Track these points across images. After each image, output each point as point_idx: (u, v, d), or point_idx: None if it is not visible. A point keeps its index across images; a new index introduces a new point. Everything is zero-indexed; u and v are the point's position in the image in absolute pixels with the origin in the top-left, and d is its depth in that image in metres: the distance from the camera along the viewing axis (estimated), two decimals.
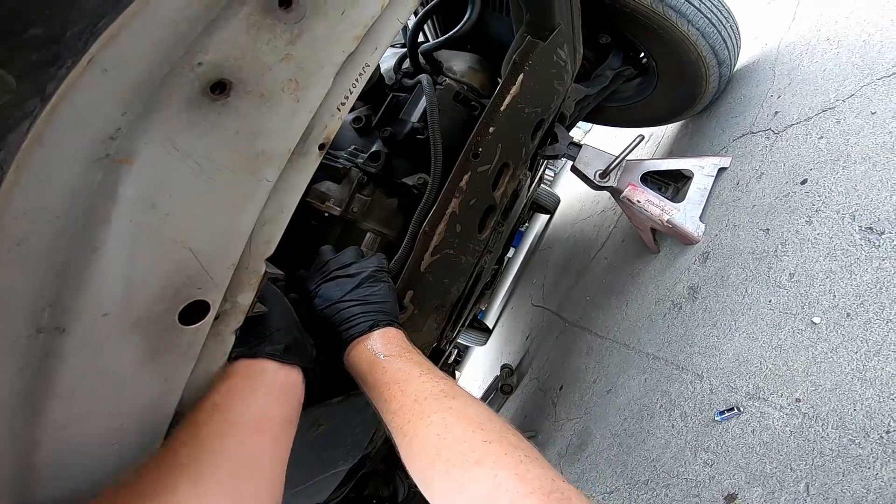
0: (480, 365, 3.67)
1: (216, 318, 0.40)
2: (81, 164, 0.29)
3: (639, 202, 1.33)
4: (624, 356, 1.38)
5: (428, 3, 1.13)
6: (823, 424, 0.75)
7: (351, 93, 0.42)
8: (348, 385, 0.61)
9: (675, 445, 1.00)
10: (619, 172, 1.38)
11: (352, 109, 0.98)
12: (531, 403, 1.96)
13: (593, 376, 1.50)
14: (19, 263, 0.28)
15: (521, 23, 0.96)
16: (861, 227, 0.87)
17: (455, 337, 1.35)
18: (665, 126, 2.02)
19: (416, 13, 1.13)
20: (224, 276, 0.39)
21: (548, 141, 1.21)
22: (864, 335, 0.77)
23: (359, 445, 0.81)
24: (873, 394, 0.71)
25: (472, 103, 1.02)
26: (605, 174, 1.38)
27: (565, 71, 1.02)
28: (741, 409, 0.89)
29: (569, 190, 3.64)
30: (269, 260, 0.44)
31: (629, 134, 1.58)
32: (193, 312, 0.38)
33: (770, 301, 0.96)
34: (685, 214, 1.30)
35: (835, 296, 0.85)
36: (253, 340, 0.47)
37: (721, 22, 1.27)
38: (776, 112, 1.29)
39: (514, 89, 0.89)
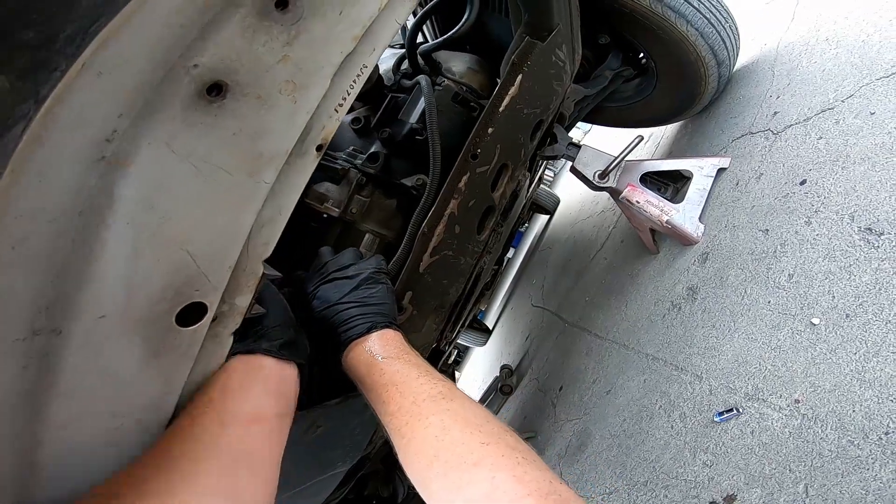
0: (480, 365, 3.66)
1: (214, 320, 0.41)
2: (80, 165, 0.29)
3: (638, 203, 1.33)
4: (623, 357, 1.38)
5: (427, 4, 1.13)
6: (822, 425, 0.75)
7: (349, 94, 0.42)
8: (346, 387, 0.61)
9: (674, 446, 1.00)
10: (619, 173, 1.38)
11: (350, 110, 0.99)
12: (531, 404, 1.96)
13: (593, 377, 1.50)
14: (19, 264, 0.28)
15: (520, 23, 0.95)
16: (860, 227, 0.87)
17: (454, 338, 1.34)
18: (664, 126, 2.02)
19: (414, 14, 1.13)
20: (222, 278, 0.39)
21: (547, 141, 1.21)
22: (864, 336, 0.77)
23: (357, 447, 0.81)
24: (872, 395, 0.71)
25: (471, 104, 1.02)
26: (604, 175, 1.38)
27: (564, 71, 1.02)
28: (740, 409, 0.89)
29: (568, 190, 3.64)
30: (268, 261, 0.44)
31: (628, 134, 1.58)
32: (191, 314, 0.38)
33: (769, 302, 0.96)
34: (684, 215, 1.30)
35: (834, 297, 0.85)
36: (250, 336, 0.48)
37: (720, 22, 1.27)
38: (775, 112, 1.29)
39: (512, 90, 0.89)
